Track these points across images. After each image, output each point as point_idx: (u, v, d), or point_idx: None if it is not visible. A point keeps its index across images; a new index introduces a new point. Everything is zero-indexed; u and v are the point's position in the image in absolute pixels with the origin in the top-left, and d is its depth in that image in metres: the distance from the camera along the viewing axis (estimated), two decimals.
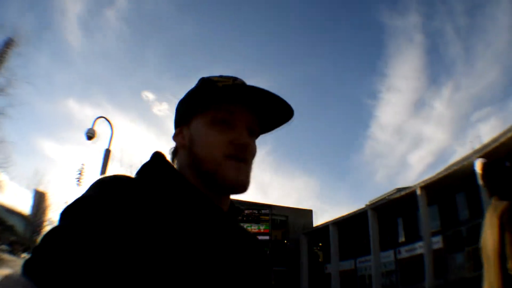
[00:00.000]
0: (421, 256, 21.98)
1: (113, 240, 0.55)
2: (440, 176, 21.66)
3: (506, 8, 44.59)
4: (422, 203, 22.28)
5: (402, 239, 26.36)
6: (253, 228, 32.31)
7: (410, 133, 71.63)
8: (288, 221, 36.91)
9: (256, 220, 33.55)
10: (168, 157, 0.79)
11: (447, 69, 60.48)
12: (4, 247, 32.90)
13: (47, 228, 46.94)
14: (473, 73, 58.35)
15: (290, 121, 0.80)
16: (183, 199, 0.69)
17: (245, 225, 20.32)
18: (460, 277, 19.67)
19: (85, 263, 0.52)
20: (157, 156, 0.76)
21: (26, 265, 0.52)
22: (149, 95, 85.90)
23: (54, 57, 69.39)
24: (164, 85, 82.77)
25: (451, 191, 22.03)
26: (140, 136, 71.51)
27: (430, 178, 22.41)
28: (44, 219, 48.37)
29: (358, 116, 71.96)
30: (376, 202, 28.30)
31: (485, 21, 57.18)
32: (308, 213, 39.04)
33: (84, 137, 10.33)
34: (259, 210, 33.79)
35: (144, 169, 0.74)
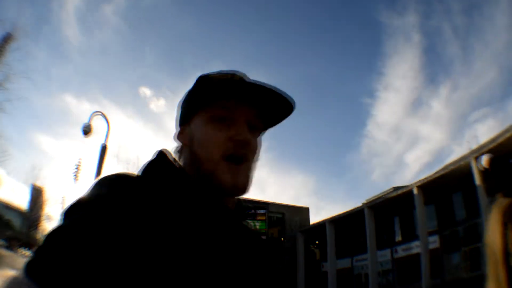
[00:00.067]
0: (417, 255, 22.06)
1: (117, 241, 0.54)
2: (437, 175, 21.72)
3: (504, 8, 44.66)
4: (419, 202, 22.35)
5: (398, 238, 26.44)
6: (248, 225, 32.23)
7: (407, 132, 71.56)
8: (285, 219, 36.89)
9: (252, 218, 33.56)
10: (173, 156, 0.77)
11: (445, 69, 60.26)
12: (0, 242, 32.85)
13: (44, 223, 47.13)
14: (471, 73, 58.27)
15: (291, 114, 0.78)
16: (188, 199, 0.68)
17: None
18: (457, 277, 19.74)
19: (88, 265, 0.51)
20: (162, 155, 0.75)
21: (29, 266, 0.51)
22: (146, 91, 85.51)
23: (51, 52, 68.68)
24: (161, 81, 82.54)
25: (448, 190, 22.08)
26: (137, 132, 71.45)
27: (427, 178, 22.47)
28: (41, 214, 48.44)
29: (355, 114, 71.75)
30: (373, 200, 28.37)
31: (483, 20, 57.35)
32: (304, 211, 39.02)
33: (80, 132, 10.30)
34: (255, 208, 33.77)
35: (149, 168, 0.72)
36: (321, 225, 32.51)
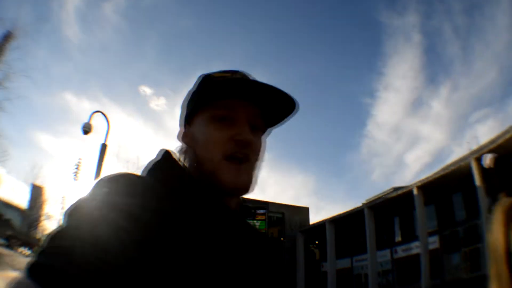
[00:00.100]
0: (417, 256, 22.04)
1: (120, 241, 0.53)
2: (437, 176, 21.68)
3: (506, 8, 44.54)
4: (418, 202, 22.32)
5: (398, 238, 26.40)
6: None
7: (407, 133, 71.75)
8: (285, 219, 36.85)
9: (252, 217, 33.52)
10: (177, 156, 0.77)
11: (445, 69, 60.31)
12: (0, 241, 32.85)
13: (43, 222, 47.09)
14: (472, 73, 58.31)
15: (294, 113, 0.77)
16: (192, 199, 0.67)
17: None
18: (457, 278, 19.72)
19: (92, 267, 0.50)
20: (166, 154, 0.75)
21: (32, 268, 0.51)
22: (146, 90, 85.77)
23: (52, 50, 68.96)
24: (161, 80, 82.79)
25: (448, 191, 22.04)
26: (137, 130, 71.55)
27: (427, 178, 22.43)
28: (41, 213, 48.36)
29: (356, 114, 72.04)
30: (373, 200, 28.33)
31: (484, 20, 57.32)
32: (304, 211, 38.98)
33: (80, 131, 10.31)
34: (255, 207, 33.72)
35: (153, 167, 0.72)
36: (321, 225, 32.47)
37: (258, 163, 0.74)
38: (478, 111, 68.86)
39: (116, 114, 66.44)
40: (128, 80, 79.68)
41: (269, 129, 0.81)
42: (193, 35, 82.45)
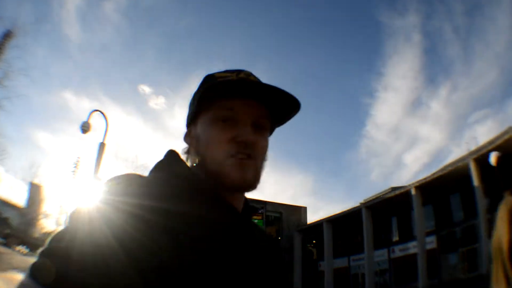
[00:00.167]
0: (414, 255, 22.12)
1: (125, 243, 0.53)
2: (435, 176, 21.76)
3: (506, 8, 44.65)
4: (416, 203, 22.40)
5: (396, 238, 26.49)
6: None
7: (406, 133, 71.90)
8: (282, 218, 36.93)
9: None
10: (183, 157, 0.77)
11: (445, 69, 60.33)
12: None
13: (41, 221, 47.00)
14: (472, 74, 58.41)
15: (298, 112, 0.76)
16: (198, 199, 0.67)
17: None
18: (454, 278, 19.80)
19: (95, 268, 0.50)
20: (171, 154, 0.75)
21: (35, 269, 0.51)
22: (145, 89, 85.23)
23: (51, 49, 68.23)
24: (161, 79, 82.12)
25: (446, 191, 22.13)
26: (136, 129, 71.21)
27: (425, 178, 22.52)
28: (39, 212, 48.22)
29: (354, 114, 71.90)
30: (371, 200, 28.40)
31: (484, 21, 57.05)
32: (302, 210, 39.08)
33: (79, 130, 10.31)
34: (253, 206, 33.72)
35: (158, 167, 0.73)
36: (319, 224, 32.54)
37: (263, 162, 0.74)
38: (477, 111, 68.99)
39: (115, 113, 66.10)
40: (128, 79, 79.31)
41: (273, 129, 0.81)
42: (193, 34, 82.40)
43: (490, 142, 18.24)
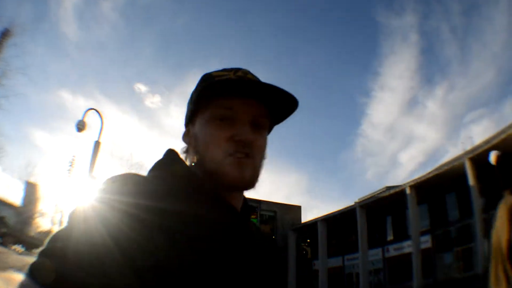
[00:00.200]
0: (409, 255, 22.14)
1: (125, 243, 0.53)
2: (430, 175, 21.82)
3: (503, 8, 44.98)
4: (411, 202, 22.43)
5: (390, 237, 26.56)
6: None
7: (402, 132, 72.14)
8: (277, 217, 36.88)
9: None
10: (182, 156, 0.76)
11: (442, 69, 60.68)
12: None
13: (38, 219, 46.77)
14: (468, 74, 58.80)
15: (296, 110, 0.76)
16: (196, 198, 0.67)
17: None
18: (449, 277, 19.88)
19: (95, 268, 0.50)
20: (170, 154, 0.75)
21: (34, 269, 0.51)
22: (141, 87, 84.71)
23: (49, 47, 67.31)
24: (157, 78, 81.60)
25: (441, 191, 22.20)
26: (132, 128, 70.87)
27: (420, 178, 22.56)
28: (35, 211, 47.97)
29: (350, 113, 71.99)
30: (365, 199, 28.44)
31: (481, 21, 57.51)
32: (296, 209, 39.05)
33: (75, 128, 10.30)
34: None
35: (156, 167, 0.72)
36: (313, 223, 32.50)
37: (261, 160, 0.73)
38: (473, 111, 69.44)
39: (111, 111, 65.51)
40: (124, 78, 78.54)
41: (272, 127, 0.80)
42: (190, 33, 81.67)
43: (486, 142, 18.29)
